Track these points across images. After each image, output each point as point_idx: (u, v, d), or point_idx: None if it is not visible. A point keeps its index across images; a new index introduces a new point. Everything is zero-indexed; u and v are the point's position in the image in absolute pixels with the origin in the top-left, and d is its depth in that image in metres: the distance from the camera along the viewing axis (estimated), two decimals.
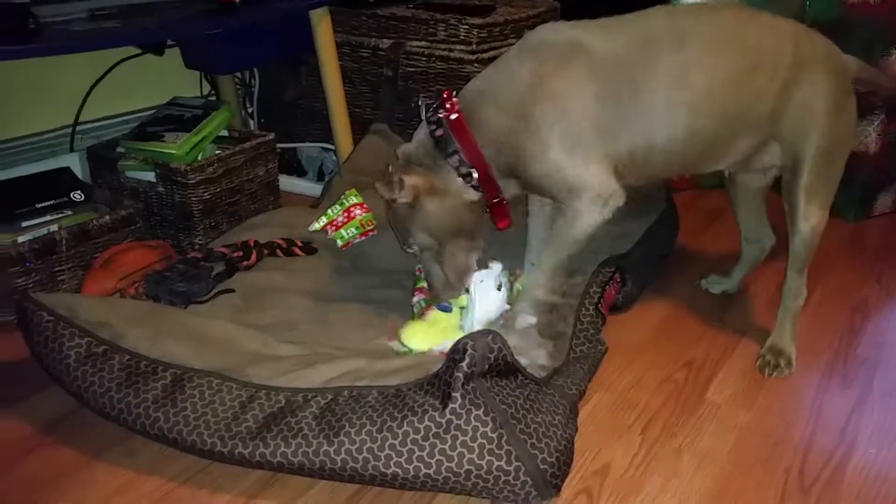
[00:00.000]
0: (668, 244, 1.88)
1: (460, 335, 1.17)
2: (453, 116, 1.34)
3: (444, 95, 1.37)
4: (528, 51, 1.35)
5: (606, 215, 1.33)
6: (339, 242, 1.75)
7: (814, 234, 1.43)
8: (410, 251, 1.44)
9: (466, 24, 2.06)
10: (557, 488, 1.12)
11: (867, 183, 2.13)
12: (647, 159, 1.35)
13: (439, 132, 1.35)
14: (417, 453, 1.07)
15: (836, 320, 1.64)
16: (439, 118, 1.36)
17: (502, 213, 1.42)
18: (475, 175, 1.36)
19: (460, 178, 1.36)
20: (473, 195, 1.38)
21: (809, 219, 1.41)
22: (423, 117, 1.40)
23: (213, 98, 2.46)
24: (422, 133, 1.39)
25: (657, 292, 1.74)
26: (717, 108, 1.33)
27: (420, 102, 1.43)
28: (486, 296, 1.40)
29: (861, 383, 1.43)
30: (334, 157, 2.30)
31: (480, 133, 1.34)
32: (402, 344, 1.36)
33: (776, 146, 1.41)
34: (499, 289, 1.41)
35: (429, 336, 1.36)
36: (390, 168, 1.37)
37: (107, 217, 1.69)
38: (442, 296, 1.43)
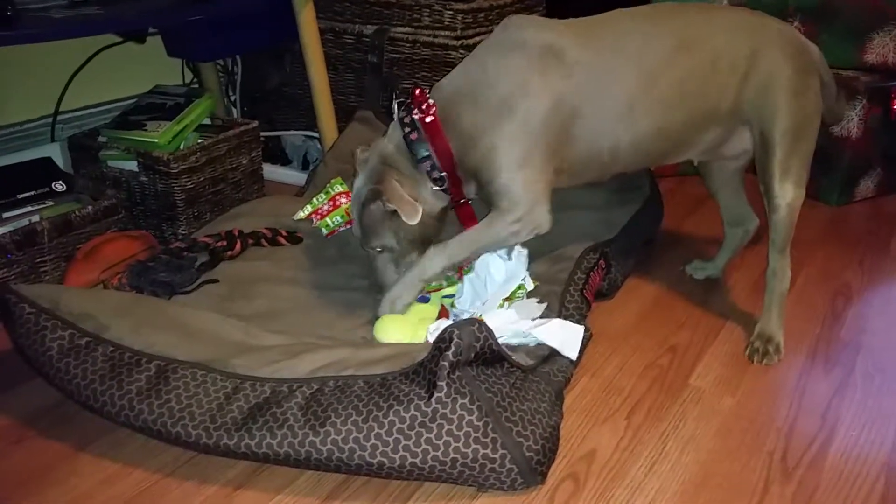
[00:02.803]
0: (653, 230, 1.89)
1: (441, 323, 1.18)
2: (429, 119, 1.35)
3: (418, 95, 1.37)
4: (506, 52, 1.36)
5: (523, 238, 1.40)
6: (325, 230, 1.75)
7: (791, 210, 1.44)
8: (371, 250, 1.44)
9: (451, 9, 2.05)
10: (543, 475, 1.13)
11: (849, 168, 2.14)
12: (615, 158, 1.41)
13: (413, 135, 1.36)
14: (403, 442, 1.07)
15: (819, 304, 1.66)
16: (413, 120, 1.36)
17: (468, 213, 1.45)
18: (445, 178, 1.38)
19: (431, 183, 1.38)
20: (444, 200, 1.42)
21: (786, 196, 1.43)
22: (396, 118, 1.41)
23: (196, 86, 2.44)
24: (396, 134, 1.40)
25: (642, 278, 1.75)
26: (681, 107, 1.39)
27: (394, 103, 1.41)
28: (495, 268, 1.41)
29: (843, 366, 1.45)
30: (319, 146, 2.29)
31: (453, 133, 1.35)
32: (376, 339, 1.35)
33: (745, 131, 1.46)
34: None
35: (402, 329, 1.35)
36: (391, 178, 1.36)
37: (89, 207, 1.68)
38: (385, 306, 1.42)
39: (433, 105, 1.36)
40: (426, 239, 1.42)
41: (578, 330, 1.30)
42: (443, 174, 1.37)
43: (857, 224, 2.08)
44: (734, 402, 1.34)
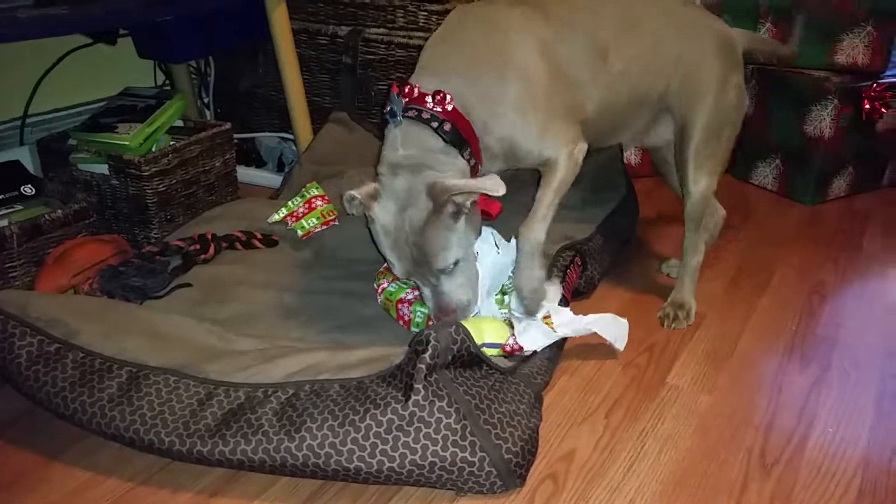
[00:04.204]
0: (629, 230, 1.89)
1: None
2: (450, 107, 1.25)
3: (409, 90, 1.27)
4: (492, 31, 1.34)
5: (580, 164, 1.38)
6: (300, 232, 1.73)
7: (703, 197, 1.52)
8: (447, 276, 1.28)
9: (425, 10, 2.04)
10: (522, 478, 1.12)
11: (822, 167, 2.17)
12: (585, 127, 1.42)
13: (447, 126, 1.24)
14: (381, 447, 1.06)
15: (795, 302, 1.67)
16: (434, 113, 1.24)
17: (489, 199, 1.37)
18: (478, 164, 1.32)
19: (468, 169, 1.28)
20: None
21: (698, 183, 1.51)
22: (401, 118, 1.26)
23: (168, 88, 2.41)
24: (414, 135, 1.25)
25: (618, 277, 1.75)
26: (628, 87, 1.43)
27: (395, 102, 1.28)
28: (489, 262, 1.39)
29: (819, 363, 1.46)
30: (294, 147, 2.27)
31: (472, 119, 1.29)
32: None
33: (669, 119, 1.52)
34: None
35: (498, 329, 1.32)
36: (438, 180, 1.21)
37: (59, 211, 1.64)
38: (467, 314, 1.32)
39: (446, 93, 1.24)
40: (478, 233, 1.33)
41: (625, 324, 1.38)
42: (476, 160, 1.30)
43: (831, 223, 2.10)
44: (712, 401, 1.34)
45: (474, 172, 1.32)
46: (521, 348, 1.29)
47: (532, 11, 1.36)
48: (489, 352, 1.26)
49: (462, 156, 1.27)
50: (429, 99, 1.25)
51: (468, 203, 1.24)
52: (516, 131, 1.33)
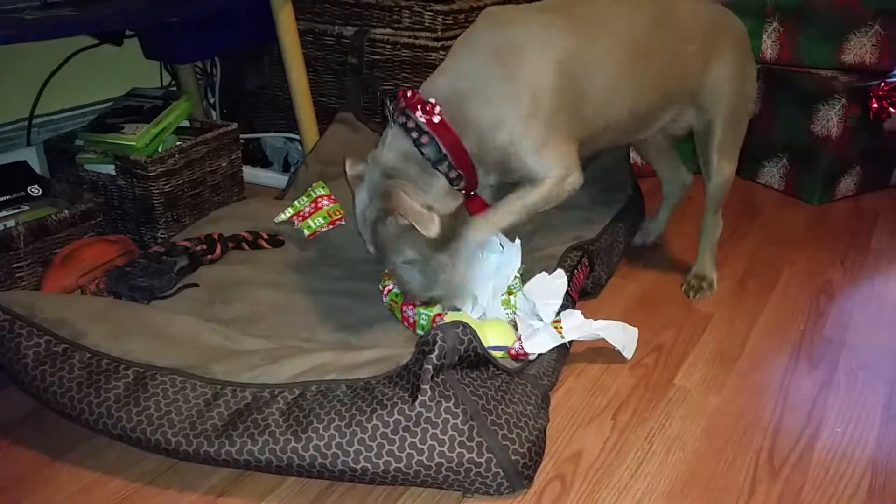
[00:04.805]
0: (636, 230, 1.89)
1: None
2: (436, 119, 1.27)
3: (410, 96, 1.30)
4: (499, 39, 1.33)
5: (560, 202, 1.39)
6: (307, 232, 1.73)
7: (726, 183, 1.62)
8: (395, 267, 1.35)
9: (431, 10, 2.04)
10: (529, 479, 1.12)
11: (830, 167, 2.16)
12: (595, 138, 1.44)
13: (424, 139, 1.27)
14: (387, 447, 1.05)
15: (802, 302, 1.66)
16: (418, 123, 1.28)
17: (480, 203, 1.40)
18: (462, 176, 1.32)
19: (447, 183, 1.30)
20: (458, 198, 1.34)
21: (723, 172, 1.61)
22: (393, 122, 1.31)
23: (174, 88, 2.42)
24: (398, 142, 1.30)
25: (626, 278, 1.74)
26: (658, 86, 1.46)
27: (388, 108, 1.32)
28: (492, 261, 1.41)
29: (827, 364, 1.45)
30: (299, 148, 2.27)
31: (466, 131, 1.30)
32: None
33: (692, 110, 1.57)
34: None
35: (503, 333, 1.33)
36: (399, 192, 1.25)
37: (66, 211, 1.64)
38: (458, 303, 1.38)
39: (436, 104, 1.28)
40: (447, 240, 1.34)
41: (634, 332, 1.42)
42: (459, 172, 1.31)
43: (839, 222, 2.09)
44: (720, 401, 1.34)
45: (468, 186, 1.34)
46: (526, 354, 1.30)
47: (559, 20, 1.36)
48: (493, 355, 1.24)
49: (438, 169, 1.29)
50: (419, 108, 1.28)
51: (404, 221, 1.26)
52: (513, 141, 1.31)
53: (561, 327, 1.32)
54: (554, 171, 1.34)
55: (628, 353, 1.42)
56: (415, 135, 1.28)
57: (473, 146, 1.31)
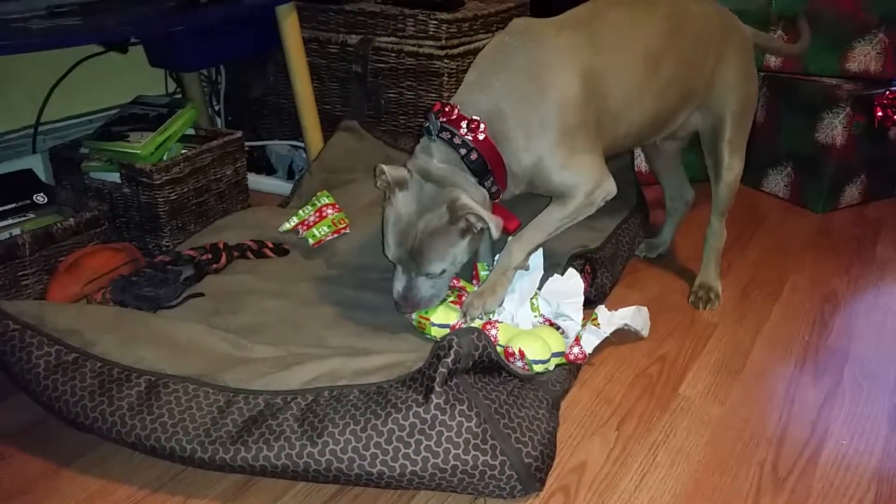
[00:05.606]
0: (639, 239, 1.89)
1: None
2: (481, 136, 1.32)
3: (448, 111, 1.33)
4: (533, 62, 1.34)
5: (595, 209, 1.43)
6: (311, 241, 1.73)
7: (735, 181, 1.64)
8: (426, 277, 1.36)
9: (435, 19, 2.04)
10: (542, 482, 1.12)
11: (834, 175, 2.16)
12: (616, 143, 1.48)
13: (474, 155, 1.31)
14: (403, 451, 1.06)
15: (807, 312, 1.66)
16: (464, 140, 1.31)
17: (505, 215, 1.41)
18: (500, 190, 1.37)
19: (487, 196, 1.35)
20: (490, 209, 1.38)
21: (732, 169, 1.63)
22: (436, 136, 1.33)
23: (179, 96, 2.42)
24: (446, 155, 1.32)
25: (629, 287, 1.74)
26: (675, 91, 1.49)
27: (430, 121, 1.34)
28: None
29: (832, 374, 1.45)
30: (304, 155, 2.27)
31: (503, 149, 1.34)
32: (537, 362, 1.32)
33: (698, 113, 1.61)
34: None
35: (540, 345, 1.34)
36: (469, 198, 1.29)
37: (71, 219, 1.65)
38: (472, 313, 1.40)
39: (480, 122, 1.31)
40: (474, 255, 1.41)
41: (646, 311, 1.52)
42: (498, 187, 1.36)
43: (843, 231, 2.09)
44: (724, 412, 1.34)
45: (496, 198, 1.39)
46: (585, 356, 1.37)
47: (578, 36, 1.38)
48: (555, 361, 1.33)
49: (483, 184, 1.34)
50: (464, 124, 1.31)
51: (478, 225, 1.31)
52: (543, 157, 1.35)
53: (598, 323, 1.42)
54: (584, 186, 1.38)
55: (645, 332, 1.53)
56: (463, 151, 1.31)
57: (509, 162, 1.35)
